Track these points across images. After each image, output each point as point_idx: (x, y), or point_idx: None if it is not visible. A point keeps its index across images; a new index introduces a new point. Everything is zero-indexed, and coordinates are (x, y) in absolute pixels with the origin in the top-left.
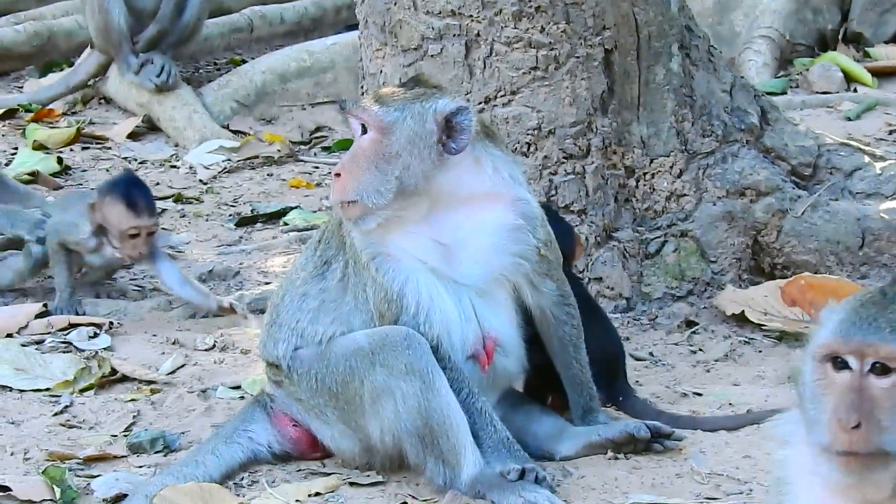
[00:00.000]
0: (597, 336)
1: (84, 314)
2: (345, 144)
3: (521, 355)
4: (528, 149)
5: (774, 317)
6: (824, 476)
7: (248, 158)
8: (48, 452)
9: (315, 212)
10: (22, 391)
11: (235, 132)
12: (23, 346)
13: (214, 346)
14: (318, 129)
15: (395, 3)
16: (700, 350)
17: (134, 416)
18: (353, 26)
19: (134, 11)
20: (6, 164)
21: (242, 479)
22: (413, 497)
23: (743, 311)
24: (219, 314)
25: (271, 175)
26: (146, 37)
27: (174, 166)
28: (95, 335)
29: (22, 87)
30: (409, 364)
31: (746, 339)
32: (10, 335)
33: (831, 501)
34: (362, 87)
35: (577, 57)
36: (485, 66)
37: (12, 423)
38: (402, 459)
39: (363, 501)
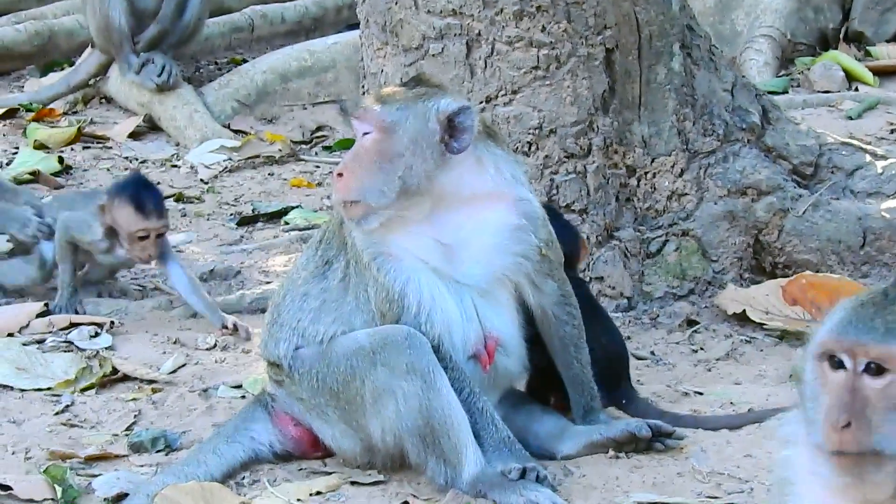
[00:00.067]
0: (600, 339)
1: (85, 313)
2: (346, 144)
3: (522, 355)
4: (530, 148)
5: (776, 316)
6: (824, 476)
7: (249, 158)
8: (49, 452)
9: (316, 211)
10: (23, 390)
11: (236, 132)
12: (24, 345)
13: (216, 345)
14: (319, 128)
15: (397, 3)
16: (701, 349)
17: (135, 416)
18: (355, 26)
19: (135, 11)
20: (7, 164)
21: (244, 478)
22: (414, 496)
23: (744, 311)
24: (224, 332)
25: (272, 174)
26: (147, 37)
27: (175, 166)
28: (97, 334)
29: (23, 87)
30: (410, 363)
31: (748, 339)
32: (11, 334)
33: (833, 502)
34: (363, 86)
35: (579, 56)
36: (486, 66)
37: (13, 423)
38: (404, 459)
39: (364, 500)
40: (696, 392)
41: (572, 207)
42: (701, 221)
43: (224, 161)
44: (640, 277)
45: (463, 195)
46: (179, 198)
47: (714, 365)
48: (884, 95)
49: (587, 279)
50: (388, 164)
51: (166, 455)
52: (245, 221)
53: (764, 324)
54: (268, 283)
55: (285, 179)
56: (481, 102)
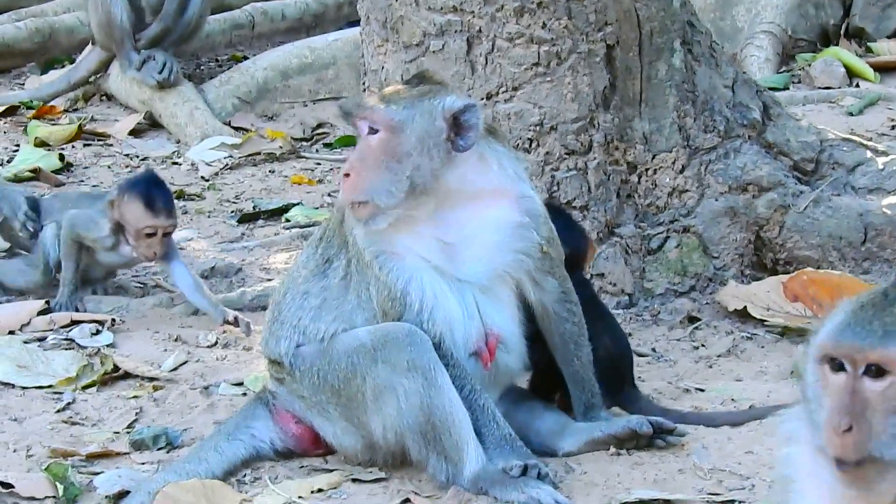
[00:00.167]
0: (604, 341)
1: (86, 311)
2: (346, 141)
3: (523, 352)
4: (530, 145)
5: (777, 312)
6: (826, 481)
7: (250, 155)
8: (51, 449)
9: (317, 208)
10: (24, 388)
11: (237, 129)
12: (25, 343)
13: (217, 342)
14: (319, 125)
15: (397, 0)
16: (702, 346)
17: (136, 413)
18: (355, 22)
19: (136, 8)
20: (8, 161)
21: (245, 475)
22: (415, 493)
23: (745, 307)
24: (226, 326)
25: (273, 172)
26: (149, 34)
27: (176, 163)
28: (98, 332)
29: (23, 84)
30: (411, 361)
31: (749, 335)
32: (12, 332)
33: (834, 501)
34: (364, 83)
35: (579, 53)
36: (486, 63)
37: (15, 421)
38: (405, 456)
39: (365, 498)
40: (697, 389)
41: (573, 204)
42: (702, 218)
43: (225, 158)
44: (641, 274)
45: (467, 193)
46: (180, 195)
47: (715, 361)
48: (884, 91)
49: (588, 276)
50: (395, 164)
51: (167, 453)
52: (246, 218)
53: (765, 320)
54: (269, 280)
55: (286, 176)
56: (482, 99)
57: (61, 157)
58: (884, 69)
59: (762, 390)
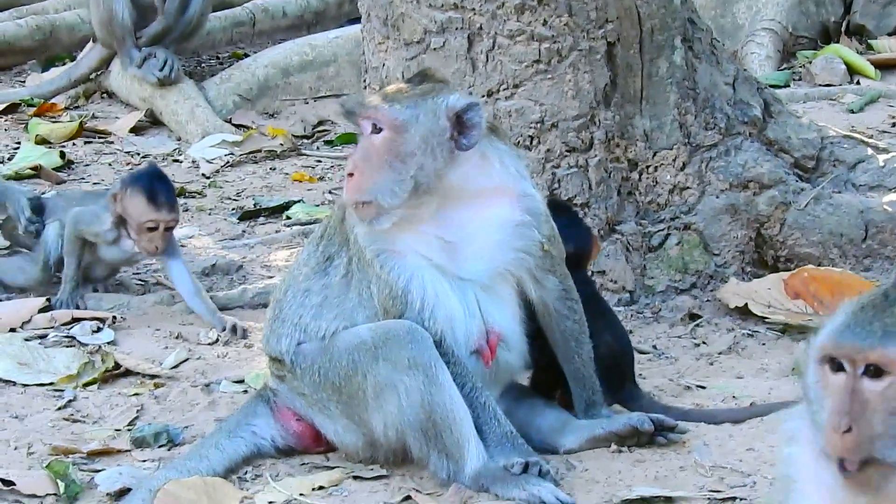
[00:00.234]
0: (605, 339)
1: (87, 308)
2: (347, 138)
3: (523, 350)
4: (531, 142)
5: (778, 309)
6: (828, 483)
7: (251, 152)
8: (52, 447)
9: (318, 206)
10: (25, 386)
11: (238, 126)
12: (26, 340)
13: (217, 340)
14: (320, 122)
15: None
16: (703, 343)
17: (137, 411)
18: (356, 20)
19: (137, 5)
20: (9, 159)
21: (246, 473)
22: (417, 491)
23: (746, 304)
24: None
25: (274, 169)
26: (151, 32)
27: (177, 160)
28: (99, 329)
29: (24, 82)
30: (412, 358)
31: (750, 332)
32: (13, 330)
33: (835, 500)
34: (365, 80)
35: (580, 50)
36: (487, 60)
37: (16, 418)
38: (406, 453)
39: (367, 495)
40: (698, 386)
41: (574, 201)
42: (703, 215)
43: (226, 155)
44: (642, 271)
45: (469, 191)
46: (181, 192)
47: (716, 359)
48: (885, 89)
49: (589, 273)
50: (399, 164)
51: (168, 450)
52: (247, 216)
53: (766, 317)
54: (270, 277)
55: (287, 174)
56: (483, 96)
57: (62, 155)
58: (884, 66)
59: (763, 387)
